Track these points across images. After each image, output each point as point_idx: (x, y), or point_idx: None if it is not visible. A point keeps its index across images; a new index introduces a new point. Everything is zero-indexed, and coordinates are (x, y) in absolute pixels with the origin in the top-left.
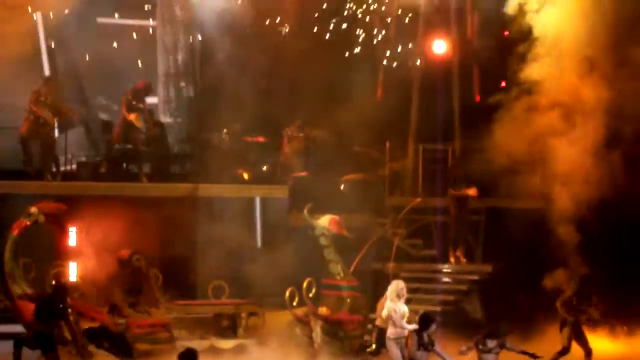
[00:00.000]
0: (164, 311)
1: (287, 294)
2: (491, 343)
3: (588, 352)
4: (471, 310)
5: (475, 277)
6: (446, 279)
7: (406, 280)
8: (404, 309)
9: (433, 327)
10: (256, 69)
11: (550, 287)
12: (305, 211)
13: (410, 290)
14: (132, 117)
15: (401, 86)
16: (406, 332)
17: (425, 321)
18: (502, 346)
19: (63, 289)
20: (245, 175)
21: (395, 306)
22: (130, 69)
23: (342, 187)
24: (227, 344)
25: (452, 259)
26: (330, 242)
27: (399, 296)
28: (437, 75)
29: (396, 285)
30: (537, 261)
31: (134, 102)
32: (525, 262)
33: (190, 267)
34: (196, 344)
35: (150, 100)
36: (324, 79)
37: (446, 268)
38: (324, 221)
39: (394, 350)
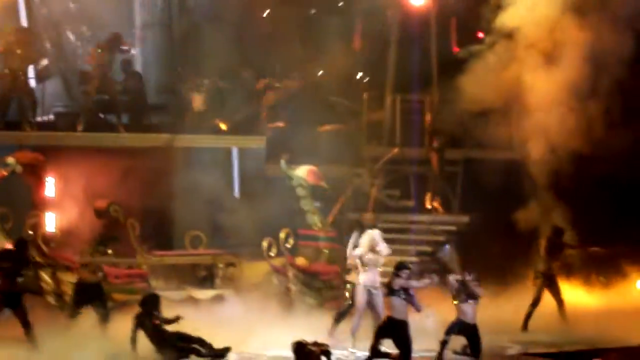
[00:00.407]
0: (141, 261)
1: (265, 244)
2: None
3: (560, 303)
4: (448, 261)
5: (453, 228)
6: (423, 230)
7: (383, 230)
8: (379, 258)
9: (403, 274)
10: (232, 19)
11: (523, 233)
12: (282, 161)
13: (387, 241)
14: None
15: (379, 37)
16: (377, 281)
17: (397, 268)
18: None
19: (23, 244)
20: (223, 126)
21: (366, 253)
22: (108, 19)
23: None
24: (204, 294)
25: (429, 210)
26: (308, 192)
27: (372, 250)
28: (415, 25)
29: (372, 234)
30: (513, 212)
31: (103, 55)
32: (501, 213)
33: (167, 217)
34: (173, 294)
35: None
36: (301, 28)
37: (423, 219)
38: (302, 172)
39: (360, 297)
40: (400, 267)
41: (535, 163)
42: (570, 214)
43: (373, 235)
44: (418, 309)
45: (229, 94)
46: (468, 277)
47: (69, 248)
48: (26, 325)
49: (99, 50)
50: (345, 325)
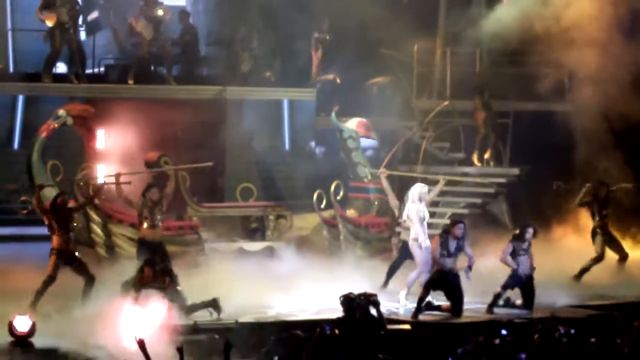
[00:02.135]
0: (192, 213)
1: (315, 196)
2: (524, 244)
3: (623, 257)
4: (498, 213)
5: (503, 180)
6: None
7: (434, 183)
8: (425, 211)
9: (458, 230)
10: None
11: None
12: (332, 114)
13: (438, 194)
14: (139, 26)
15: None
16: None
17: (451, 224)
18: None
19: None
20: (273, 78)
21: (416, 207)
22: None
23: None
24: (255, 246)
25: (477, 162)
26: (358, 144)
27: (420, 199)
28: None
29: (420, 188)
30: (564, 164)
31: (147, 11)
32: (552, 165)
33: (218, 169)
34: (224, 246)
35: (177, 2)
36: None
37: (474, 171)
38: (352, 124)
39: (417, 250)
40: (454, 222)
41: (586, 112)
42: (622, 161)
43: (419, 188)
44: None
45: (280, 46)
46: (529, 235)
47: (120, 200)
48: (89, 279)
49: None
50: (398, 277)
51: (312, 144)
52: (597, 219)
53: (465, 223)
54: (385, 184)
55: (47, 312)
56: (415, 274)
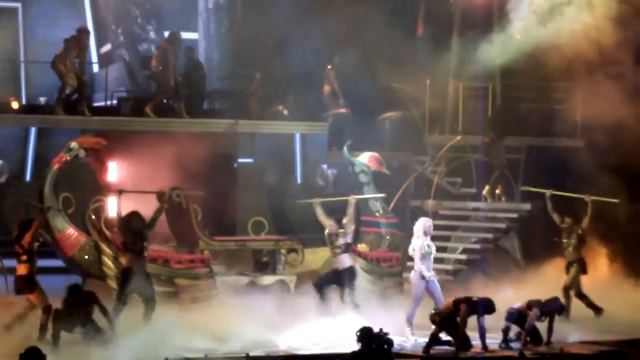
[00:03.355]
0: (203, 246)
1: (327, 230)
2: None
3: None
4: (510, 249)
5: (515, 216)
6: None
7: (445, 218)
8: (431, 246)
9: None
10: (296, 5)
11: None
12: (344, 148)
13: (449, 228)
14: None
15: (442, 22)
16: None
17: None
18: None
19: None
20: (285, 112)
21: (420, 242)
22: (171, 5)
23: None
24: (266, 280)
25: (490, 198)
26: (370, 179)
27: (425, 233)
28: (478, 12)
29: (423, 222)
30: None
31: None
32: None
33: (230, 203)
34: (235, 279)
35: (191, 36)
36: (363, 15)
37: (485, 206)
38: (364, 158)
39: (416, 283)
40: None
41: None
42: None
43: (423, 222)
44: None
45: (291, 79)
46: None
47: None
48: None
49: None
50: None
51: (324, 168)
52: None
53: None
54: (319, 211)
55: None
56: (411, 309)
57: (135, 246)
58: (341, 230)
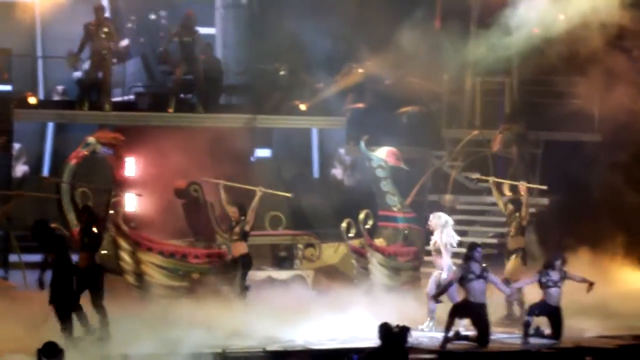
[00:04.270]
0: (220, 241)
1: (344, 225)
2: (554, 275)
3: None
4: (528, 243)
5: (532, 210)
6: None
7: (463, 212)
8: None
9: (477, 254)
10: (314, 1)
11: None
12: (362, 143)
13: (466, 223)
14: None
15: (460, 17)
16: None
17: (469, 249)
18: (564, 277)
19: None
20: (303, 107)
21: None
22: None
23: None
24: (283, 274)
25: (507, 192)
26: (387, 173)
27: (440, 229)
28: (496, 6)
29: (437, 218)
30: (594, 194)
31: (182, 36)
32: (581, 195)
33: (247, 198)
34: (252, 274)
35: (208, 31)
36: (381, 10)
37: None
38: (381, 153)
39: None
40: (472, 247)
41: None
42: None
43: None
44: (506, 292)
45: (308, 75)
46: (557, 263)
47: (149, 228)
48: None
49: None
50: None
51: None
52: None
53: (481, 246)
54: (223, 196)
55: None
56: (432, 304)
57: (90, 243)
58: (242, 218)
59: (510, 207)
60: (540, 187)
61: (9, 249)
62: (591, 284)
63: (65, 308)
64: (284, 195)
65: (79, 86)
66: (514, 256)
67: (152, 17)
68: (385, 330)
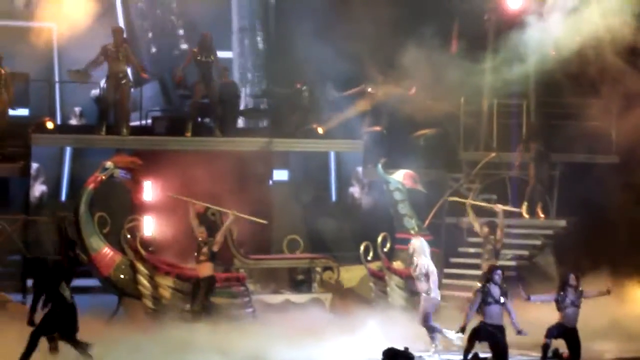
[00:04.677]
0: (238, 265)
1: (362, 248)
2: (571, 295)
3: None
4: (545, 265)
5: (550, 232)
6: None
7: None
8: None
9: (496, 276)
10: (329, 24)
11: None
12: (379, 166)
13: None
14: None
15: (476, 39)
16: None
17: (489, 272)
18: (580, 296)
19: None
20: (320, 130)
21: (427, 262)
22: (205, 24)
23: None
24: (301, 298)
25: (525, 214)
26: (405, 196)
27: (424, 253)
28: (512, 29)
29: (420, 242)
30: (611, 216)
31: (199, 57)
32: (599, 217)
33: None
34: (271, 297)
35: (225, 55)
36: (397, 32)
37: (520, 223)
38: (398, 176)
39: (424, 304)
40: (492, 270)
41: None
42: None
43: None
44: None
45: (325, 98)
46: (572, 282)
47: (168, 252)
48: None
49: (195, 52)
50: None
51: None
52: None
53: (502, 269)
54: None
55: None
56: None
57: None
58: (210, 239)
59: (486, 229)
60: (514, 209)
61: (26, 274)
62: (608, 291)
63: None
64: (259, 222)
65: (97, 104)
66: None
67: (172, 50)
68: (391, 354)
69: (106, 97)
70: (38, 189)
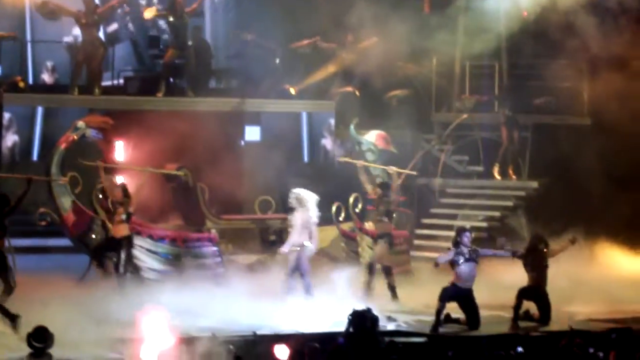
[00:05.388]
0: (210, 225)
1: (334, 209)
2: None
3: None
4: (517, 227)
5: (522, 194)
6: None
7: (452, 196)
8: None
9: (465, 238)
10: None
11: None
12: (351, 126)
13: (456, 206)
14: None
15: (448, 1)
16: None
17: (457, 234)
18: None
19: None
20: (292, 91)
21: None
22: None
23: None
24: (274, 258)
25: (497, 175)
26: (377, 157)
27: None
28: None
29: (304, 194)
30: (583, 178)
31: (171, 18)
32: (570, 179)
33: (237, 181)
34: (243, 258)
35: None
36: None
37: (492, 184)
38: (371, 137)
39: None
40: (460, 231)
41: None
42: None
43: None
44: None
45: (298, 58)
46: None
47: (139, 212)
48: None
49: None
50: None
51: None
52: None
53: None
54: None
55: (64, 323)
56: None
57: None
58: (126, 199)
59: (379, 191)
60: (410, 172)
61: None
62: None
63: None
64: (174, 174)
65: (69, 54)
66: (381, 241)
67: (142, 1)
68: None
69: (78, 59)
70: (11, 139)
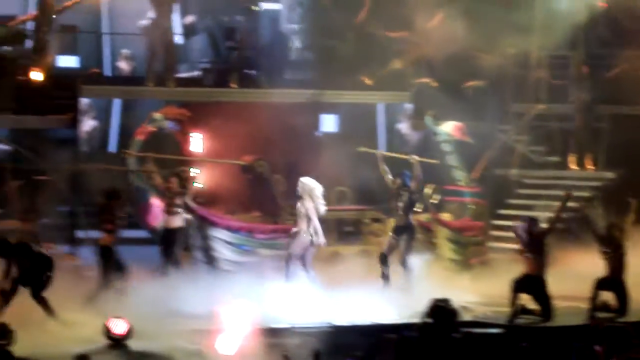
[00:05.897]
0: (286, 217)
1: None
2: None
3: None
4: (593, 217)
5: (598, 184)
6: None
7: (529, 186)
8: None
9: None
10: None
11: None
12: (428, 117)
13: (532, 197)
14: None
15: None
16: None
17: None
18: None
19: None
20: (368, 82)
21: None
22: None
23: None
24: (350, 249)
25: (572, 166)
26: (454, 148)
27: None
28: None
29: (310, 183)
30: None
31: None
32: None
33: (313, 173)
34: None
35: (274, 6)
36: None
37: (568, 174)
38: (447, 127)
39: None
40: (532, 220)
41: None
42: None
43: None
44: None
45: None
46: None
47: (216, 204)
48: None
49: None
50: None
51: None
52: None
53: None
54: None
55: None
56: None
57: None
58: (183, 190)
59: (398, 181)
60: (431, 161)
61: (75, 225)
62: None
63: None
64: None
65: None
66: (405, 233)
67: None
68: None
69: (153, 46)
70: (89, 124)
